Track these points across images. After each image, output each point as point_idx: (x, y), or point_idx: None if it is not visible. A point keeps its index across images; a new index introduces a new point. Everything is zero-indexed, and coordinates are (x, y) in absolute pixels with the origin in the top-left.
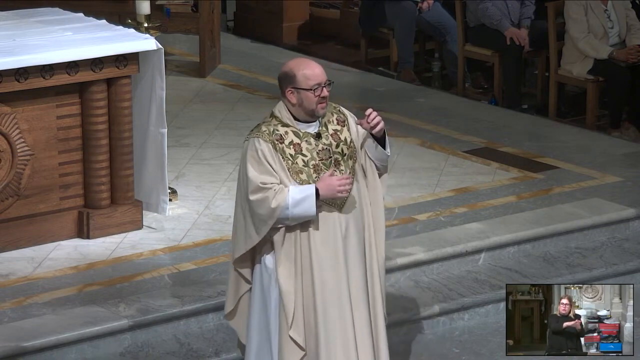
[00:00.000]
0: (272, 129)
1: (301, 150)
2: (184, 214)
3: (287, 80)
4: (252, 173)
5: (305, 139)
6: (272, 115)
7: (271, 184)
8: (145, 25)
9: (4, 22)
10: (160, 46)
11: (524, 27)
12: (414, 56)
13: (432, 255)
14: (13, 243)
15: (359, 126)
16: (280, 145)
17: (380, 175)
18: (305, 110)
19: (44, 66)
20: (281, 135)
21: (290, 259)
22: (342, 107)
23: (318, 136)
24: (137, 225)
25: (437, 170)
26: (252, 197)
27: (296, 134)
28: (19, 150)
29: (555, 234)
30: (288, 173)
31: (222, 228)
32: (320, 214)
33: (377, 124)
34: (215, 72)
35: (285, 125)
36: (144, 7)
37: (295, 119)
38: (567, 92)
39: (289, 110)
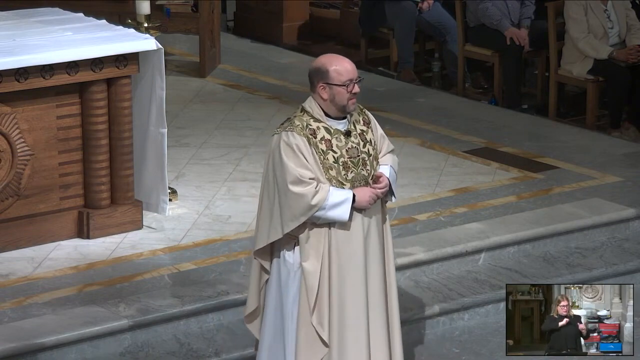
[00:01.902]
0: (305, 124)
1: (331, 147)
2: (184, 214)
3: (319, 76)
4: (290, 164)
5: (336, 135)
6: (303, 110)
7: (310, 179)
8: (145, 25)
9: (4, 22)
10: (160, 46)
11: (524, 27)
12: (414, 56)
13: (432, 255)
14: (13, 243)
15: (380, 130)
16: (313, 139)
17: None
18: (336, 106)
19: (44, 66)
20: (314, 130)
21: (318, 256)
22: (365, 109)
23: (348, 134)
24: (137, 225)
25: (437, 170)
26: (292, 189)
27: (327, 130)
28: (19, 150)
29: (555, 234)
30: (320, 168)
31: (222, 228)
32: None
33: (383, 189)
34: (215, 72)
35: (317, 120)
36: (144, 7)
37: (326, 114)
38: (567, 92)
39: (319, 106)
